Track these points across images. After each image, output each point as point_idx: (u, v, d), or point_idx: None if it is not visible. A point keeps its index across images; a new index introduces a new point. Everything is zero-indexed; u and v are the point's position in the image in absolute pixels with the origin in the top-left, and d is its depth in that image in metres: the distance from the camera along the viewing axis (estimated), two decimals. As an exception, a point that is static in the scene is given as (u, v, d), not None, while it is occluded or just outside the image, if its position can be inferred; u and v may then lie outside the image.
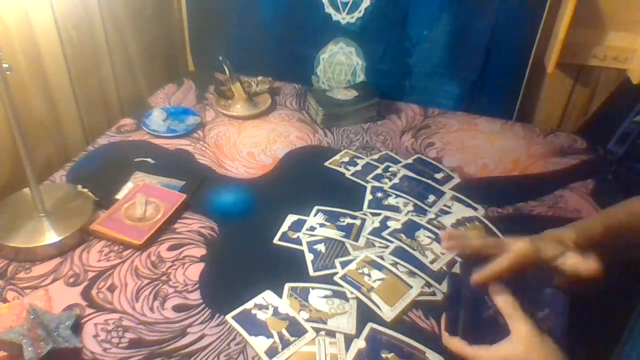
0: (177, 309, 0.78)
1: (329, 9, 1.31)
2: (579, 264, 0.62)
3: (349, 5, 1.29)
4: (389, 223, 0.94)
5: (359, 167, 1.10)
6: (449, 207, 0.99)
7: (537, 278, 0.65)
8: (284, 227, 0.93)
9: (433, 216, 0.96)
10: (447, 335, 0.63)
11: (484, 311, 0.62)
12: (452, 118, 1.29)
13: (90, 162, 1.09)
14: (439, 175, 1.08)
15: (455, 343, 0.62)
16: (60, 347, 0.68)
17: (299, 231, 0.92)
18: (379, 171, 1.09)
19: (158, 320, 0.76)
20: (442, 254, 0.87)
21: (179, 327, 0.75)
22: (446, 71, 1.30)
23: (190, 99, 1.36)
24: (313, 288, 0.81)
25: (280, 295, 0.80)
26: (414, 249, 0.88)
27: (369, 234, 0.92)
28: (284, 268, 0.85)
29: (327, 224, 0.94)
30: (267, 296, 0.79)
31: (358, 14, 1.29)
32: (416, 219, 0.95)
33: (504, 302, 0.59)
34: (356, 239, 0.90)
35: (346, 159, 1.13)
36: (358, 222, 0.94)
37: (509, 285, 0.61)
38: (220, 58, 1.25)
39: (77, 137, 1.17)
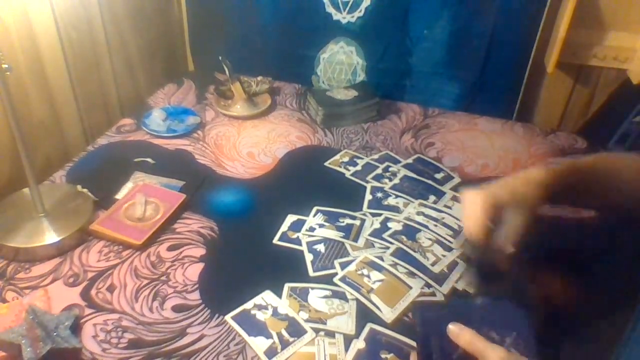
0: (177, 309, 0.78)
1: (330, 9, 1.31)
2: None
3: (349, 4, 1.29)
4: (389, 224, 0.94)
5: (358, 167, 1.10)
6: (450, 208, 0.99)
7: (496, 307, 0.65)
8: (284, 227, 0.93)
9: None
10: None
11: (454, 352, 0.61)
12: (452, 118, 1.29)
13: (90, 162, 1.09)
14: (439, 175, 1.08)
15: None
16: (59, 348, 0.68)
17: (299, 231, 0.92)
18: (379, 171, 1.09)
19: (157, 321, 0.76)
20: (444, 256, 0.87)
21: (178, 328, 0.75)
22: (446, 71, 1.30)
23: (190, 99, 1.36)
24: (312, 288, 0.81)
25: (279, 296, 0.80)
26: (415, 251, 0.88)
27: (370, 235, 0.91)
28: (283, 268, 0.85)
29: (327, 224, 0.94)
30: (266, 296, 0.79)
31: (358, 13, 1.29)
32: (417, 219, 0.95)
33: (468, 340, 0.58)
34: (355, 240, 0.90)
35: (346, 159, 1.13)
36: (357, 222, 0.94)
37: (472, 320, 0.61)
38: (220, 58, 1.25)
39: (77, 137, 1.17)
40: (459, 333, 0.58)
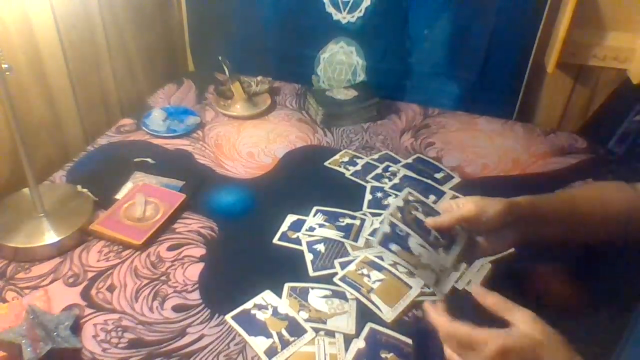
0: (177, 309, 0.78)
1: (330, 9, 1.31)
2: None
3: (349, 4, 1.29)
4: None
5: (358, 167, 1.10)
6: (449, 207, 0.99)
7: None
8: (284, 227, 0.93)
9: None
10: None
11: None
12: (452, 118, 1.29)
13: (90, 162, 1.10)
14: (439, 175, 1.08)
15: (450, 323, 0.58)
16: (59, 348, 0.68)
17: (299, 231, 0.92)
18: (378, 171, 1.09)
19: (157, 321, 0.76)
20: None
21: (178, 327, 0.75)
22: (446, 71, 1.30)
23: (190, 99, 1.36)
24: (312, 288, 0.81)
25: (279, 295, 0.80)
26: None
27: (370, 235, 0.91)
28: (283, 268, 0.85)
29: (327, 224, 0.94)
30: (266, 296, 0.79)
31: (359, 13, 1.29)
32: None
33: (494, 301, 0.58)
34: (355, 240, 0.90)
35: (346, 159, 1.13)
36: (357, 222, 0.94)
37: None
38: (220, 58, 1.25)
39: (77, 137, 1.17)
40: (485, 292, 0.59)
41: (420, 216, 0.72)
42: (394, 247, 0.71)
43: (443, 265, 0.70)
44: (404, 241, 0.71)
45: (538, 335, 0.54)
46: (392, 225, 0.72)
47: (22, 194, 0.94)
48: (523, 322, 0.55)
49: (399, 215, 0.72)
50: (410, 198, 0.75)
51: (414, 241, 0.70)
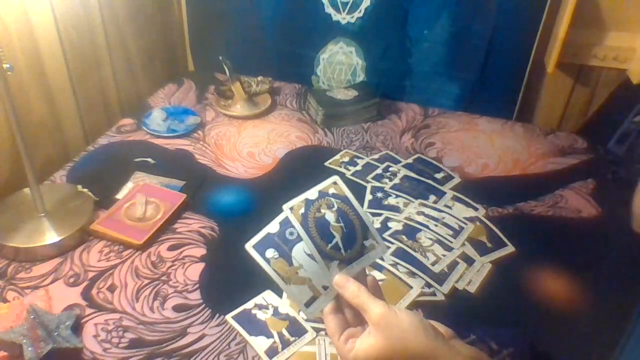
0: (177, 309, 0.78)
1: (329, 9, 1.31)
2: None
3: (349, 5, 1.29)
4: (389, 224, 0.94)
5: (359, 167, 1.10)
6: (450, 207, 0.99)
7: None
8: (284, 227, 0.93)
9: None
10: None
11: None
12: (452, 118, 1.29)
13: (90, 162, 1.10)
14: (439, 175, 1.08)
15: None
16: (60, 347, 0.68)
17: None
18: (379, 171, 1.09)
19: (158, 320, 0.76)
20: (444, 255, 0.87)
21: (179, 327, 0.75)
22: (446, 71, 1.30)
23: (190, 99, 1.36)
24: (313, 288, 0.81)
25: (280, 295, 0.80)
26: (415, 251, 0.88)
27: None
28: (284, 268, 0.85)
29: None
30: (267, 296, 0.79)
31: (358, 13, 1.29)
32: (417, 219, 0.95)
33: (352, 294, 0.52)
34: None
35: (346, 159, 1.13)
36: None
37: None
38: (220, 58, 1.25)
39: (77, 137, 1.17)
40: (345, 285, 0.53)
41: (330, 216, 0.57)
42: (269, 252, 0.58)
43: (328, 282, 0.55)
44: (288, 246, 0.57)
45: (388, 337, 0.49)
46: (284, 223, 0.58)
47: (23, 193, 0.94)
48: (372, 324, 0.50)
49: (301, 211, 0.57)
50: (331, 191, 0.59)
51: (301, 248, 0.56)
